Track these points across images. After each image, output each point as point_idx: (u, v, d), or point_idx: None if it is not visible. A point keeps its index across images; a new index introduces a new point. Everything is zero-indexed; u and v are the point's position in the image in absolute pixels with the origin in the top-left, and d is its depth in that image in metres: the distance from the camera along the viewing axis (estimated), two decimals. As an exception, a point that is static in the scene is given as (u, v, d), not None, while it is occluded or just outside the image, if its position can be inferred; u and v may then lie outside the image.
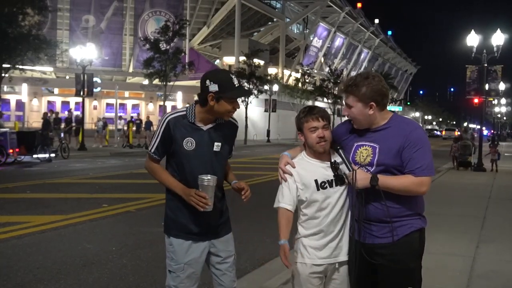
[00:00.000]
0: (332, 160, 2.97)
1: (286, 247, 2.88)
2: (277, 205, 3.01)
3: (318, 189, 2.96)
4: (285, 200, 3.00)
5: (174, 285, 3.14)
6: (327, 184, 2.97)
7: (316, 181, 2.96)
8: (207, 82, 2.98)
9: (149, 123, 31.18)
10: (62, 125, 26.53)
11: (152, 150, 3.11)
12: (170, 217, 3.16)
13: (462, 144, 20.02)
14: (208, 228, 3.12)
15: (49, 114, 25.64)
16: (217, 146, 3.09)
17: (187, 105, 3.17)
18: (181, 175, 3.07)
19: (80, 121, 26.48)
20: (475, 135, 35.85)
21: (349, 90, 2.84)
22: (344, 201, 2.99)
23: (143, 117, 48.71)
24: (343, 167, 2.93)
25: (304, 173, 2.99)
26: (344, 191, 2.99)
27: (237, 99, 3.06)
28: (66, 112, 29.71)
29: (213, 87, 2.96)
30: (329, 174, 2.97)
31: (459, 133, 27.99)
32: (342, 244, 3.00)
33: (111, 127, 33.00)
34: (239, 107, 3.09)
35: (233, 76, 3.05)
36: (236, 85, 3.02)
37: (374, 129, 2.89)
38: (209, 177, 2.92)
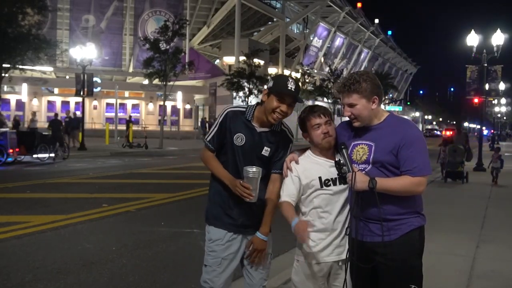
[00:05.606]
0: (337, 159, 3.01)
1: (302, 221, 2.90)
2: (282, 200, 3.08)
3: (321, 186, 3.01)
4: (286, 194, 3.06)
5: (209, 278, 3.17)
6: (330, 182, 3.01)
7: (320, 178, 3.01)
8: (269, 79, 3.12)
9: (75, 121, 26.32)
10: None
11: (208, 139, 3.21)
12: (211, 206, 3.26)
13: (452, 148, 15.26)
14: (248, 220, 3.18)
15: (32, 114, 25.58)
16: (265, 150, 3.15)
17: (251, 104, 3.27)
18: (228, 168, 3.15)
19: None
20: (470, 134, 35.04)
21: (352, 89, 2.87)
22: (347, 199, 3.03)
23: (143, 116, 48.61)
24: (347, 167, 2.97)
25: (308, 170, 3.05)
26: (347, 189, 3.02)
27: (288, 104, 3.05)
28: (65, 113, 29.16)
29: (269, 83, 3.12)
30: (333, 172, 3.01)
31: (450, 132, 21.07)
32: (346, 242, 3.03)
33: (111, 126, 33.06)
34: (286, 110, 3.05)
35: (290, 79, 3.08)
36: (289, 87, 3.04)
37: (370, 127, 2.93)
38: (254, 169, 2.99)
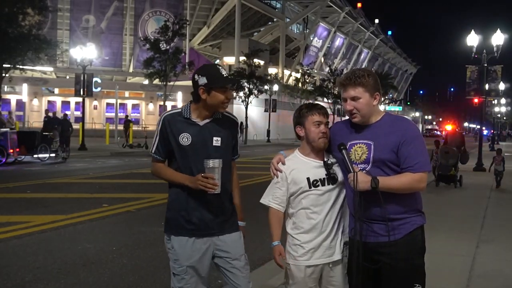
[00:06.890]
0: (325, 159, 3.00)
1: (281, 248, 3.01)
2: (267, 203, 3.06)
3: (310, 187, 2.98)
4: (275, 199, 3.04)
5: (180, 286, 3.06)
6: (319, 183, 2.99)
7: (308, 179, 2.99)
8: (196, 77, 3.01)
9: (55, 121, 21.27)
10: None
11: (153, 151, 3.11)
12: (170, 214, 3.14)
13: (443, 150, 14.15)
14: (211, 222, 3.07)
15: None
16: (216, 140, 3.05)
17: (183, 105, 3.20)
18: (182, 171, 3.05)
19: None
20: (470, 134, 34.94)
21: (358, 82, 2.86)
22: (336, 200, 3.01)
23: (143, 116, 48.46)
24: (335, 167, 2.98)
25: (296, 171, 3.01)
26: (336, 190, 3.00)
27: (230, 90, 3.07)
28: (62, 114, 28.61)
29: (202, 80, 2.98)
30: (321, 173, 2.99)
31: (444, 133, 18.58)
32: (336, 243, 3.01)
33: (111, 126, 33.08)
34: (232, 97, 3.11)
35: (220, 67, 3.06)
36: (224, 75, 3.02)
37: (367, 126, 2.91)
38: (214, 160, 2.92)
